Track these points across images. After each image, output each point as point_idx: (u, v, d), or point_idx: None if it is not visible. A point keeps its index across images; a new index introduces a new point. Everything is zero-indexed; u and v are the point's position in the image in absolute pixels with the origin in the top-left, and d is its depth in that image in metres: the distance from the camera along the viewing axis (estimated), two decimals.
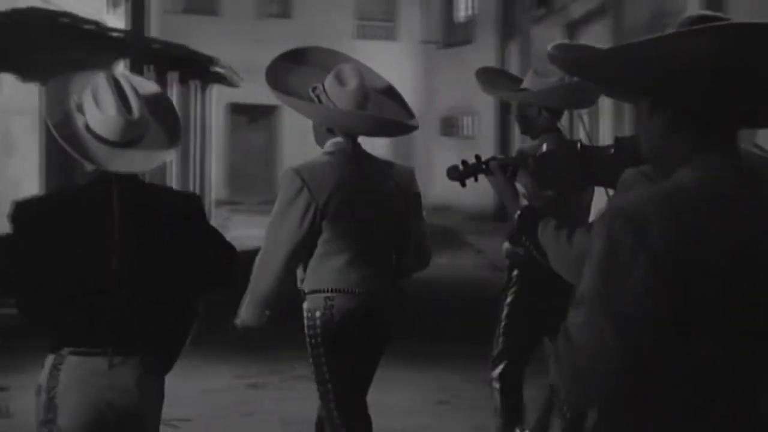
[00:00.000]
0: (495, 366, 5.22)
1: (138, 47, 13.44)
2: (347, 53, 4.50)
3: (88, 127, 3.15)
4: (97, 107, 3.12)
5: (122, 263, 3.16)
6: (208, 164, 20.45)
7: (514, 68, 24.76)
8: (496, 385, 5.21)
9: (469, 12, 27.83)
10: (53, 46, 12.77)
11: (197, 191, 16.72)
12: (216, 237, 3.43)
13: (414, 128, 4.41)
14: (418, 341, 8.74)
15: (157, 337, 3.28)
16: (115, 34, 14.42)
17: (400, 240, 4.29)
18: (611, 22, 16.25)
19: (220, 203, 23.11)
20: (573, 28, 18.57)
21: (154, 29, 18.10)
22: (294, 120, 4.93)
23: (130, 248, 3.17)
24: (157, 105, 3.32)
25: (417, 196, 4.37)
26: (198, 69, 17.73)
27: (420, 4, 29.02)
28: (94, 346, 3.18)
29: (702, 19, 1.98)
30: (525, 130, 5.33)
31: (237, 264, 3.46)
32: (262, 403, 7.14)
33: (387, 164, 4.38)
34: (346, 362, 4.16)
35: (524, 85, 5.23)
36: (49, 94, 3.27)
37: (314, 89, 4.23)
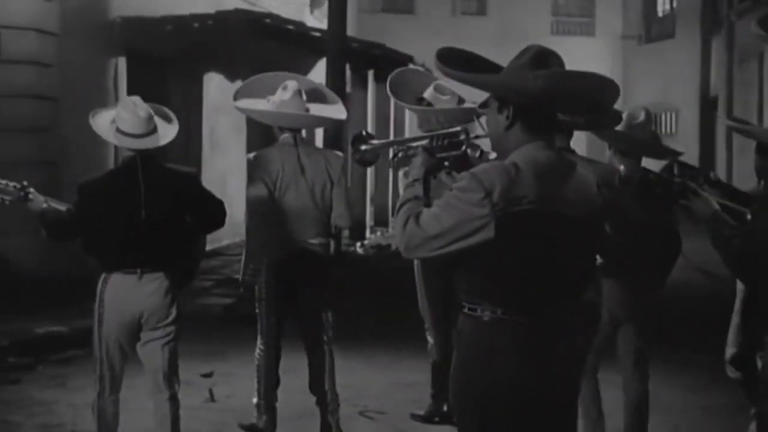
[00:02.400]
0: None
1: (337, 46, 13.70)
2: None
3: (118, 129, 4.93)
4: (122, 115, 4.93)
5: (147, 213, 4.88)
6: None
7: (717, 64, 23.94)
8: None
9: (670, 6, 27.06)
10: (256, 46, 13.19)
11: None
12: (211, 197, 5.16)
13: (339, 119, 6.19)
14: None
15: (171, 262, 4.99)
16: (315, 34, 14.75)
17: (328, 204, 5.84)
18: None
19: None
20: None
21: (352, 28, 18.44)
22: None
23: (151, 203, 4.89)
24: (159, 110, 5.15)
25: (342, 174, 5.90)
26: (395, 67, 17.94)
27: None
28: (129, 267, 4.90)
29: (536, 57, 3.12)
30: None
31: (225, 214, 5.18)
32: None
33: (321, 151, 6.11)
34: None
35: None
36: (96, 118, 5.04)
37: (268, 100, 5.87)
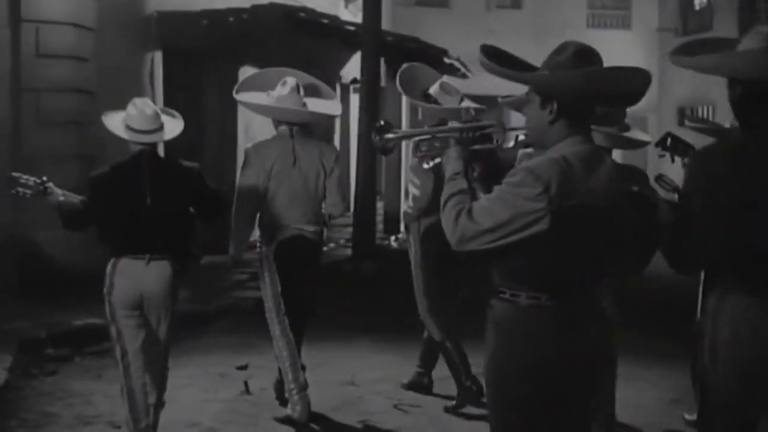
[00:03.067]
0: None
1: (371, 40, 13.69)
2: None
3: (128, 126, 5.39)
4: (131, 114, 5.41)
5: (152, 202, 5.32)
6: None
7: None
8: None
9: None
10: (291, 40, 13.22)
11: None
12: (209, 189, 5.61)
13: (335, 115, 6.79)
14: (647, 338, 8.52)
15: (174, 249, 5.41)
16: (349, 28, 14.75)
17: (321, 193, 6.28)
18: None
19: None
20: None
21: (387, 22, 18.43)
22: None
23: (156, 193, 5.33)
24: (167, 110, 5.67)
25: (334, 164, 6.33)
26: (429, 61, 17.90)
27: None
28: (137, 253, 5.32)
29: (578, 54, 3.23)
30: None
31: (225, 205, 5.77)
32: None
33: (316, 143, 6.38)
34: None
35: None
36: (107, 118, 5.51)
37: (268, 95, 6.30)
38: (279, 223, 6.24)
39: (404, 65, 6.98)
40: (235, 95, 6.44)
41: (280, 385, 6.53)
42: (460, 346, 6.58)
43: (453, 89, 6.67)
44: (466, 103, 6.65)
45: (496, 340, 3.34)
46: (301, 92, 6.32)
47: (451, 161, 3.52)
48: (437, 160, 3.87)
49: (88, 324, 8.30)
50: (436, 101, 6.62)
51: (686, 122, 6.47)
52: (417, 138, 4.03)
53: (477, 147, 3.63)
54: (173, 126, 5.60)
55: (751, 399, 3.35)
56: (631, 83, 3.27)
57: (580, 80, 3.20)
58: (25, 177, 5.41)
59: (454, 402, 6.61)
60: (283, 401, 6.50)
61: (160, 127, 5.47)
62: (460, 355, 6.56)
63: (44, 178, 5.42)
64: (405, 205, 6.79)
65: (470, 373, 6.51)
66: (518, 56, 3.43)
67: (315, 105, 6.42)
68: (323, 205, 6.39)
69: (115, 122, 5.45)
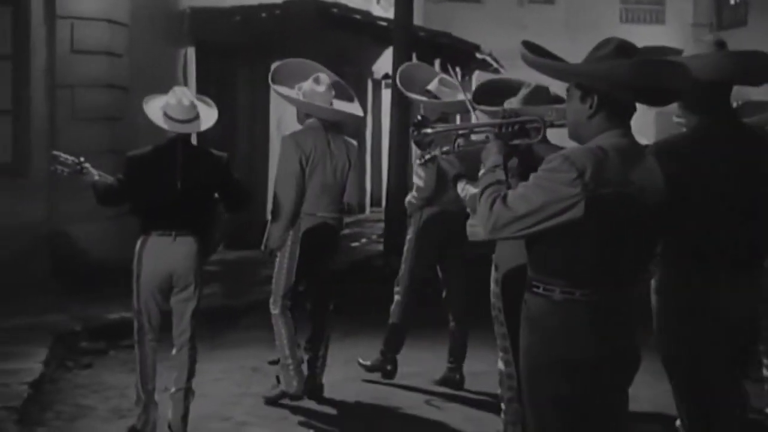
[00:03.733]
0: None
1: (403, 36, 13.67)
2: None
3: (166, 114, 5.73)
4: (170, 103, 5.74)
5: (182, 185, 5.68)
6: None
7: None
8: None
9: None
10: (323, 36, 13.24)
11: None
12: (234, 179, 5.95)
13: (359, 117, 6.95)
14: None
15: (200, 228, 5.76)
16: (381, 23, 14.75)
17: (344, 184, 6.60)
18: None
19: None
20: None
21: (419, 17, 18.42)
22: None
23: (186, 177, 5.69)
24: (202, 99, 5.96)
25: (356, 158, 6.67)
26: (461, 56, 17.87)
27: None
28: (165, 230, 5.70)
29: (620, 49, 3.26)
30: None
31: (247, 197, 6.06)
32: None
33: (342, 137, 6.66)
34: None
35: None
36: (148, 105, 5.82)
37: (299, 88, 6.58)
38: (308, 211, 6.48)
39: (403, 65, 7.44)
40: (273, 86, 6.69)
41: (310, 380, 6.60)
42: (466, 334, 6.84)
43: (452, 84, 6.89)
44: (461, 96, 6.67)
45: (530, 335, 3.35)
46: (333, 91, 6.62)
47: (492, 155, 3.54)
48: (434, 153, 4.27)
49: (122, 317, 8.34)
50: (435, 97, 6.90)
51: (674, 118, 6.43)
52: (454, 132, 4.08)
53: (517, 142, 3.67)
54: (208, 115, 5.91)
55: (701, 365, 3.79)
56: (675, 79, 3.27)
57: (626, 71, 3.19)
58: (64, 156, 5.84)
59: (368, 362, 7.18)
60: (313, 396, 6.60)
61: (196, 117, 5.81)
62: (462, 344, 6.88)
63: (81, 159, 5.84)
64: (409, 196, 7.04)
65: (461, 365, 6.93)
66: (552, 52, 3.43)
67: (340, 105, 6.71)
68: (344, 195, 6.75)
69: (154, 109, 5.79)
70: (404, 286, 7.05)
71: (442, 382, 7.01)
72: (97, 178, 5.81)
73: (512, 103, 6.01)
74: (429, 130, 4.12)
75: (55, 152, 5.99)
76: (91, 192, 5.84)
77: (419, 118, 4.20)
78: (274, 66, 6.90)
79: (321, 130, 6.54)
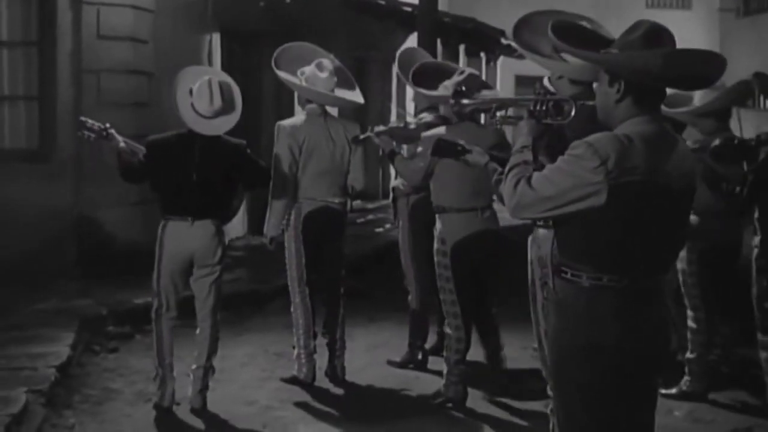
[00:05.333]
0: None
1: (428, 21, 13.63)
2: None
3: (193, 106, 5.86)
4: (199, 97, 5.87)
5: (198, 172, 5.87)
6: None
7: None
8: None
9: None
10: (348, 21, 13.23)
11: None
12: (252, 160, 6.11)
13: (360, 103, 6.88)
14: None
15: (216, 212, 5.98)
16: (406, 9, 14.71)
17: (346, 168, 6.67)
18: None
19: None
20: None
21: (443, 3, 18.34)
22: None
23: (203, 164, 5.89)
24: (230, 95, 6.03)
25: (355, 140, 6.63)
26: (486, 41, 17.82)
27: None
28: (183, 215, 5.90)
29: (650, 33, 3.20)
30: None
31: (265, 175, 6.26)
32: None
33: (341, 121, 6.87)
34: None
35: None
36: (179, 84, 5.92)
37: (302, 73, 6.63)
38: (307, 195, 6.59)
39: (401, 49, 7.48)
40: (277, 71, 6.77)
41: (332, 367, 6.73)
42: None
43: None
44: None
45: (558, 321, 3.35)
46: (335, 78, 6.68)
47: (522, 135, 3.54)
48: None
49: (148, 302, 8.34)
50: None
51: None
52: (493, 104, 4.11)
53: (549, 121, 3.67)
54: (227, 120, 5.98)
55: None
56: (708, 67, 3.25)
57: (655, 61, 3.15)
58: (91, 122, 6.05)
59: (398, 359, 7.16)
60: (336, 381, 6.70)
61: (222, 112, 5.92)
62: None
63: (107, 125, 6.05)
64: (398, 181, 7.19)
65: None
66: (591, 29, 3.40)
67: (341, 92, 6.79)
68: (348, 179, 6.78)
69: (184, 98, 5.89)
70: (411, 275, 7.16)
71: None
72: (122, 144, 5.98)
73: (446, 87, 6.21)
74: (467, 101, 4.19)
75: (82, 118, 6.18)
76: (117, 173, 6.04)
77: (462, 88, 4.29)
78: (277, 50, 6.96)
79: (318, 116, 6.65)
